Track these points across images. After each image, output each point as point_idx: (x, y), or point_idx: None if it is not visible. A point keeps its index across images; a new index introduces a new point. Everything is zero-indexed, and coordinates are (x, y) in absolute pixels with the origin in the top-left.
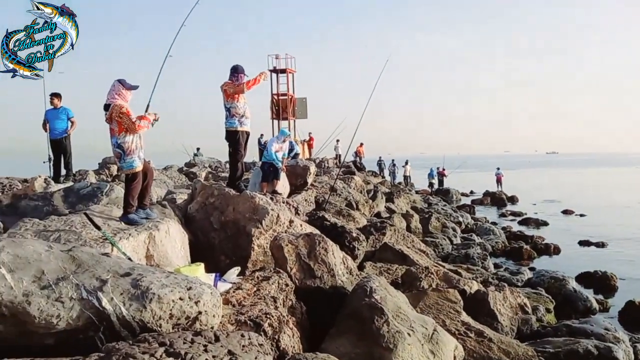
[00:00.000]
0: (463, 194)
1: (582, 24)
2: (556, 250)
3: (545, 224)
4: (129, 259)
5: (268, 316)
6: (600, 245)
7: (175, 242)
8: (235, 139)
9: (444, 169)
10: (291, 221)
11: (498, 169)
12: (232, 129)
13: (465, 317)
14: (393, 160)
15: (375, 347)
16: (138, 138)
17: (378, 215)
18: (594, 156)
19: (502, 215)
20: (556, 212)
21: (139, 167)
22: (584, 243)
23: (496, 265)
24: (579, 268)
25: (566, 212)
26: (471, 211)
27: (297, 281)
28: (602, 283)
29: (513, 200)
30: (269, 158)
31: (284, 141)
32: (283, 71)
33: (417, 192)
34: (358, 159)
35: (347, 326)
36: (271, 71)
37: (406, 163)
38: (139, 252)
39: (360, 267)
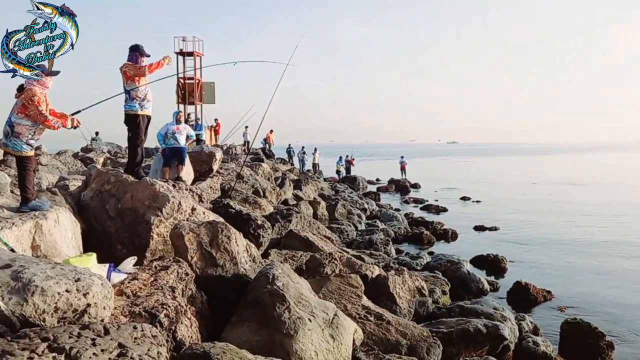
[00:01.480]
0: (369, 182)
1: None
2: (454, 235)
3: (445, 210)
4: (12, 249)
5: (164, 306)
6: (493, 229)
7: (66, 231)
8: (135, 123)
9: (353, 158)
10: (193, 209)
11: (402, 157)
12: (132, 112)
13: (365, 301)
14: (303, 147)
15: (276, 334)
16: (36, 127)
17: (285, 202)
18: (489, 146)
19: (405, 202)
20: (455, 198)
21: (26, 151)
22: (478, 228)
23: (398, 251)
24: (473, 251)
25: (464, 198)
26: (376, 198)
27: (198, 270)
28: (493, 265)
29: (416, 187)
30: (169, 143)
31: (178, 121)
32: (190, 54)
33: (325, 180)
34: (267, 145)
35: (248, 314)
36: (177, 54)
37: (315, 151)
38: (23, 242)
39: (266, 255)
